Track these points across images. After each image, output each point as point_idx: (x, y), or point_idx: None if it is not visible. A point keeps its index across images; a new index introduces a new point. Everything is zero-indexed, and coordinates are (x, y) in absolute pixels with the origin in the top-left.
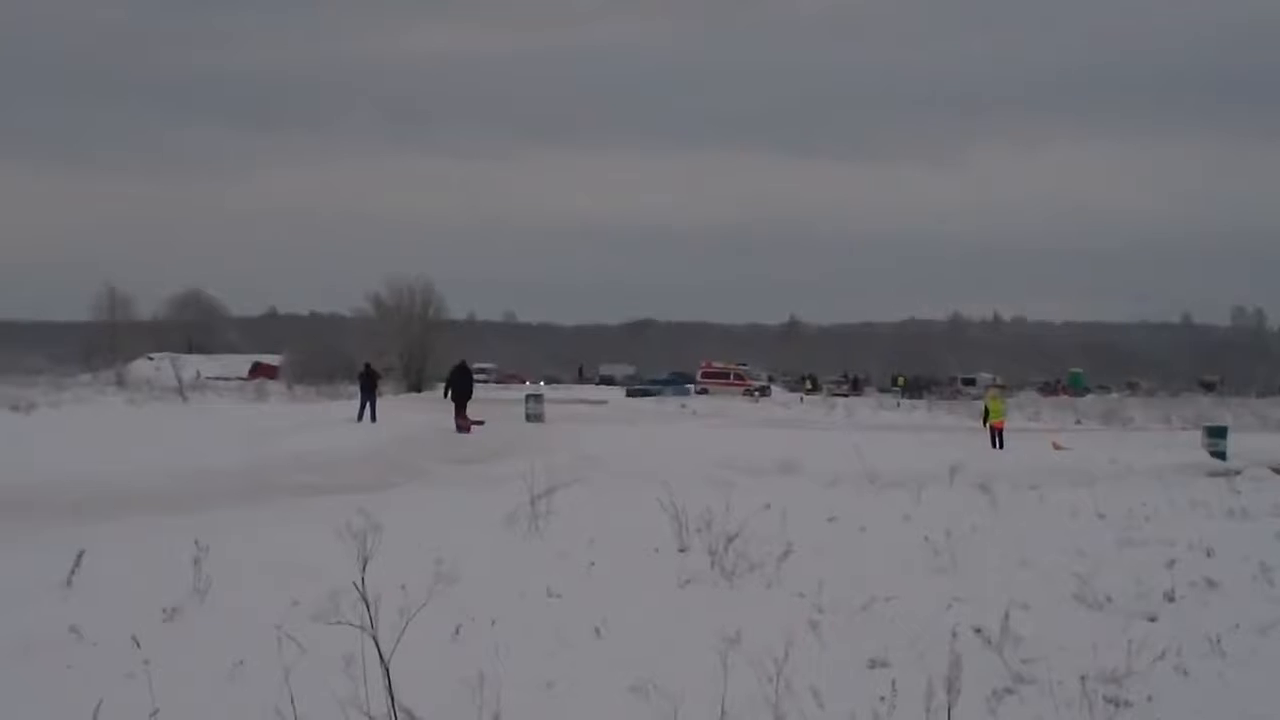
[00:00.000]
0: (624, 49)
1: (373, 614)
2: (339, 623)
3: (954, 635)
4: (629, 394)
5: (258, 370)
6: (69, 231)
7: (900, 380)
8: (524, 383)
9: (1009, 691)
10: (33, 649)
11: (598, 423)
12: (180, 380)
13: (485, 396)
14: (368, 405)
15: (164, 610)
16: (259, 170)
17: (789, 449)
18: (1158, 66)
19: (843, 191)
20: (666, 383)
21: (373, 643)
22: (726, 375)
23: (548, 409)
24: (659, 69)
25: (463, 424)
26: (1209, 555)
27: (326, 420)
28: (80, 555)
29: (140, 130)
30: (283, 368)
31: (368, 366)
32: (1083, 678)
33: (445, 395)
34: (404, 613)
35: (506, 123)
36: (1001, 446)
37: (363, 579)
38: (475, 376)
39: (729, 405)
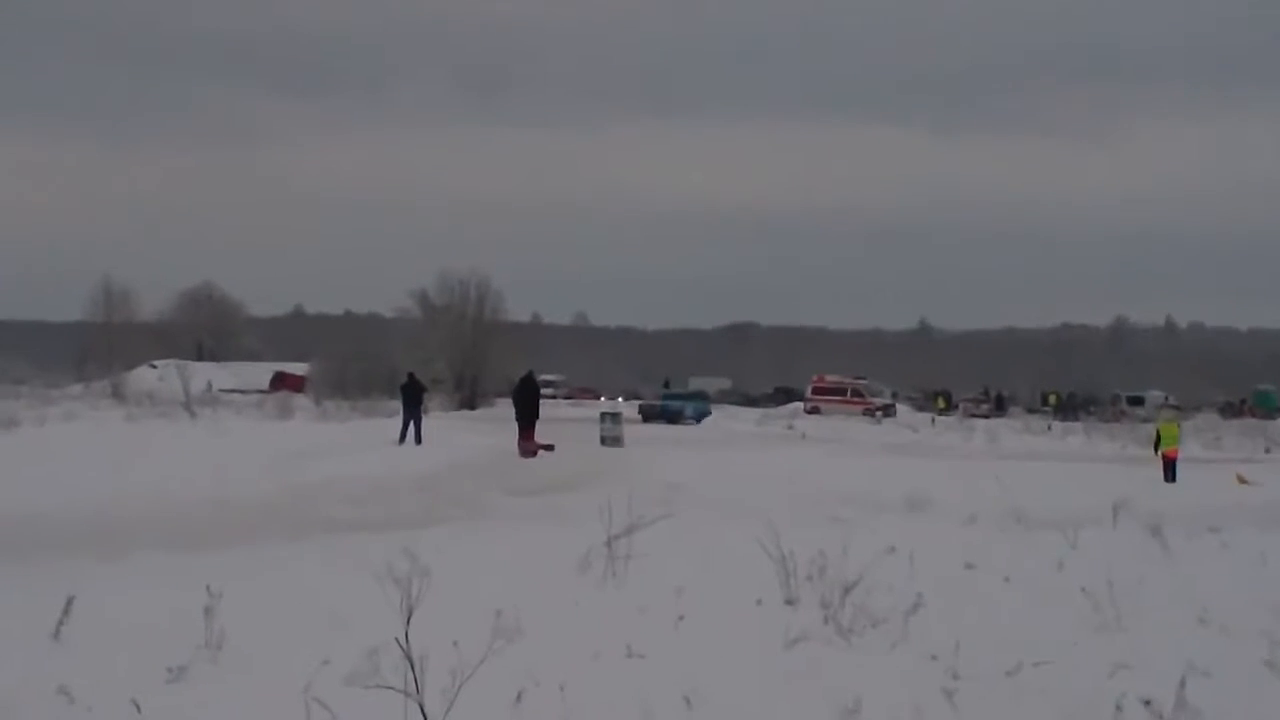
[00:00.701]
0: (735, 7)
1: (418, 676)
2: (378, 686)
3: (1119, 709)
4: (642, 414)
5: (280, 381)
6: (59, 215)
7: (1051, 398)
8: (598, 398)
9: None
10: (14, 713)
11: (687, 447)
12: (188, 393)
13: (552, 415)
14: (411, 424)
15: (169, 669)
16: (288, 146)
17: (917, 481)
18: None
19: (986, 175)
20: (687, 398)
21: (418, 710)
22: (842, 391)
23: (627, 430)
24: (775, 32)
25: (528, 447)
26: None
27: (363, 442)
28: (70, 602)
29: (148, 95)
30: (310, 379)
31: (411, 377)
32: None
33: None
34: (456, 675)
35: (589, 91)
36: (1174, 480)
37: (406, 634)
38: (542, 391)
39: (845, 427)
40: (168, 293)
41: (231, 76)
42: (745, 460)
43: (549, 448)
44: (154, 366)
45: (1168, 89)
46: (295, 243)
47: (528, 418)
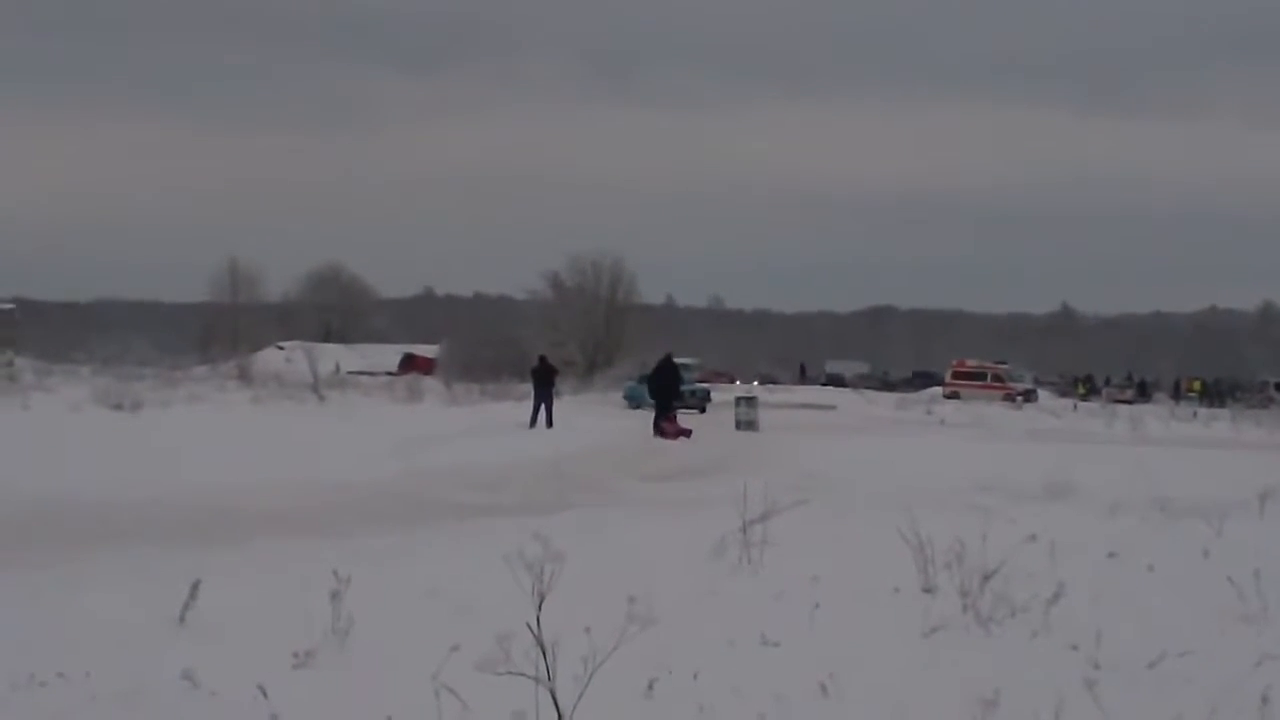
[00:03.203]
0: None
1: (550, 663)
2: (509, 673)
3: (1264, 701)
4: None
5: (410, 364)
6: (185, 195)
7: (1196, 385)
8: (733, 382)
9: None
10: (141, 697)
11: (824, 432)
12: (316, 375)
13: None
14: (542, 407)
15: (295, 655)
16: (419, 125)
17: (1059, 468)
18: None
19: (1132, 154)
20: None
21: (550, 697)
22: (982, 376)
23: (763, 415)
24: (912, 11)
25: (669, 429)
26: None
27: (494, 426)
28: (195, 586)
29: (275, 75)
30: (440, 361)
31: (543, 360)
32: None
33: (649, 395)
34: (588, 662)
35: (726, 67)
36: None
37: (538, 620)
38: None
39: (985, 412)
40: (295, 274)
41: (360, 56)
42: (882, 446)
43: (687, 433)
44: (281, 348)
45: None
46: (424, 224)
47: (667, 399)
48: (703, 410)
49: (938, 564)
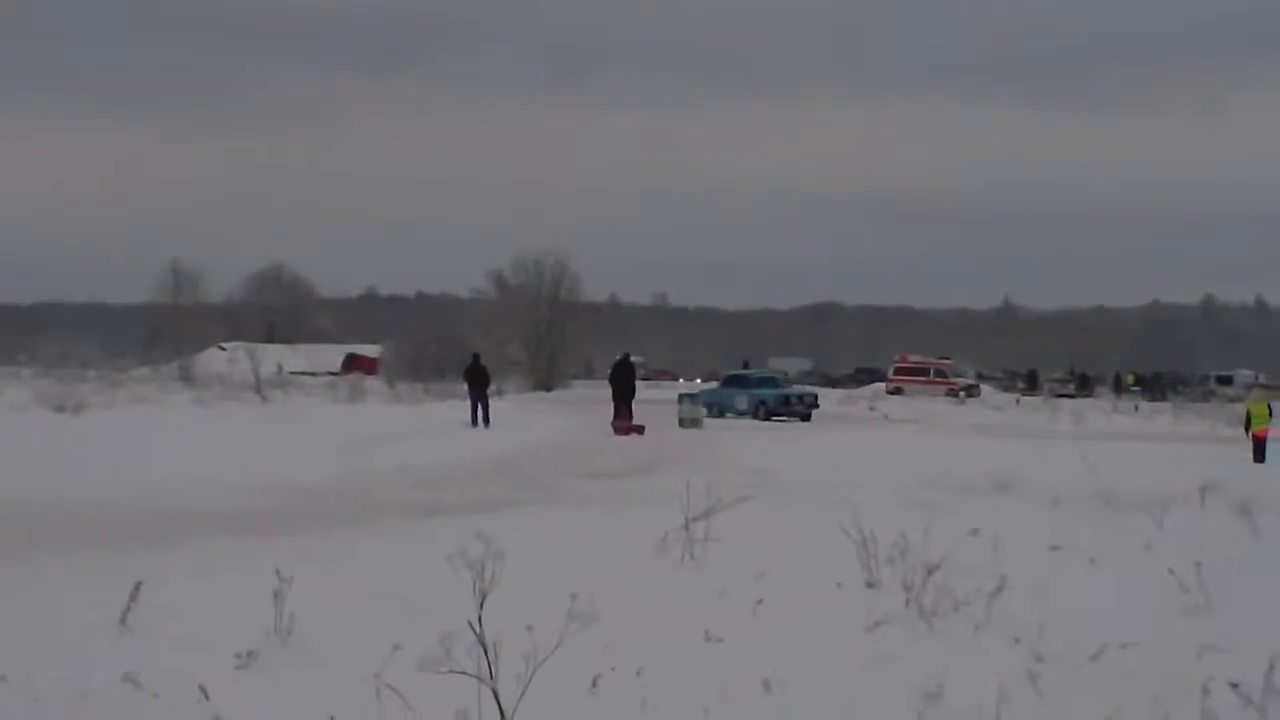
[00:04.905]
0: None
1: (492, 661)
2: (451, 671)
3: (1206, 691)
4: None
5: (353, 364)
6: (127, 196)
7: (1130, 378)
8: (677, 380)
9: None
10: (83, 700)
11: (768, 429)
12: (258, 375)
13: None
14: (479, 407)
15: (238, 655)
16: (363, 125)
17: (1002, 462)
18: None
19: (1074, 150)
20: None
21: (492, 696)
22: (925, 372)
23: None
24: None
25: (623, 426)
26: None
27: (437, 425)
28: (137, 587)
29: (212, 72)
30: (383, 360)
31: (476, 359)
32: None
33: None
34: (530, 660)
35: (670, 66)
36: (1265, 460)
37: (480, 618)
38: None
39: (928, 408)
40: (238, 275)
41: (304, 55)
42: (826, 442)
43: (640, 429)
44: (223, 349)
45: (1265, 66)
46: (367, 224)
47: (624, 398)
48: (807, 418)
49: (881, 559)
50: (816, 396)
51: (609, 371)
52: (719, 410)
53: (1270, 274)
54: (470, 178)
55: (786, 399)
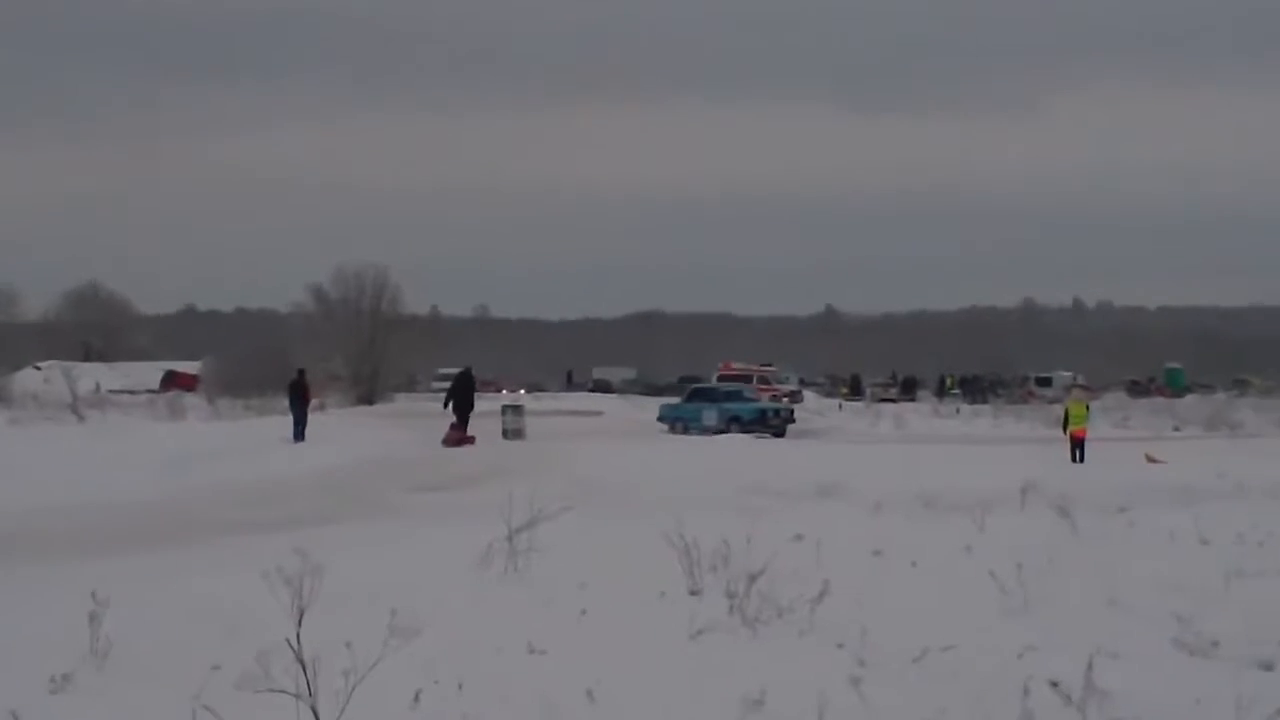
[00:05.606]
0: None
1: (311, 678)
2: (270, 690)
3: (1026, 691)
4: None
5: (172, 381)
6: None
7: (949, 381)
8: (500, 391)
9: None
10: None
11: (593, 439)
12: (75, 394)
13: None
14: (302, 422)
15: (52, 679)
16: (177, 139)
17: (825, 467)
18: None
19: (894, 154)
20: None
21: (311, 713)
22: (748, 379)
23: (530, 422)
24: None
25: (450, 437)
26: None
27: (259, 441)
28: None
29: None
30: (203, 377)
31: (301, 374)
32: None
33: (445, 406)
34: (350, 676)
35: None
36: (1083, 460)
37: (298, 635)
38: (439, 385)
39: None
40: (53, 293)
41: (118, 66)
42: (651, 451)
43: (471, 440)
44: (39, 368)
45: (1077, 68)
46: (185, 239)
47: (462, 410)
48: (781, 434)
49: (704, 566)
50: (793, 410)
51: (449, 384)
52: (683, 427)
53: (1087, 276)
54: (290, 191)
55: (762, 413)
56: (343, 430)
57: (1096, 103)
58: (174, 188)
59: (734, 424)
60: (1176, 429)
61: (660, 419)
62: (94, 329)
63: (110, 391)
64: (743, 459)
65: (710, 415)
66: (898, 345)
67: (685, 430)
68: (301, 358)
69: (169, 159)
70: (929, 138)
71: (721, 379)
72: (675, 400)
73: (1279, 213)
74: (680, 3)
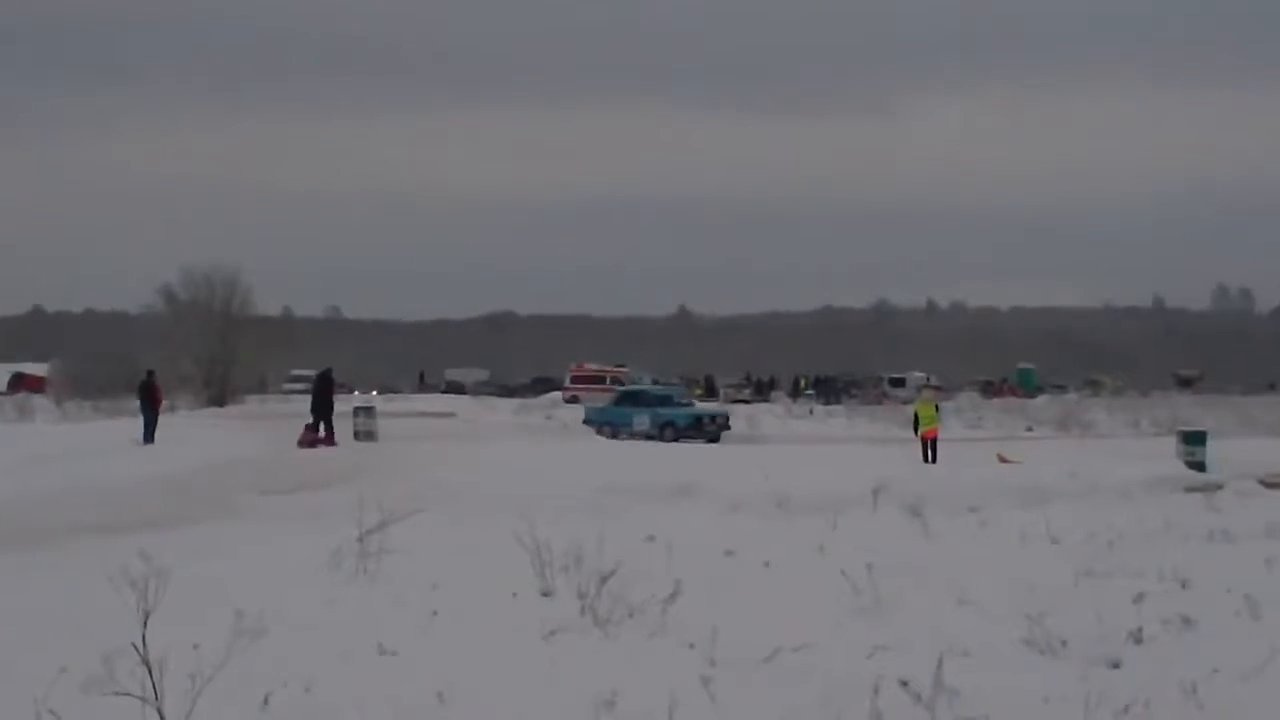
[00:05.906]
0: None
1: (157, 681)
2: (115, 693)
3: (876, 690)
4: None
5: (19, 383)
6: None
7: (803, 382)
8: (352, 393)
9: None
10: None
11: (445, 440)
12: None
13: (300, 410)
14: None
15: None
16: (28, 137)
17: (680, 468)
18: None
19: (743, 154)
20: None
21: (157, 716)
22: (601, 380)
23: (382, 424)
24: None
25: (323, 439)
26: (1184, 587)
27: (108, 443)
28: None
29: None
30: (50, 379)
31: (150, 375)
32: None
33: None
34: (196, 678)
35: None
36: (935, 460)
37: (144, 638)
38: (290, 387)
39: None
40: None
41: None
42: (503, 452)
43: (331, 441)
44: None
45: (931, 70)
46: (33, 239)
47: (321, 412)
48: (716, 439)
49: (556, 567)
50: (729, 416)
51: (310, 385)
52: (611, 430)
53: (940, 278)
54: (139, 191)
55: (698, 419)
56: (193, 432)
57: (950, 104)
58: (21, 188)
59: (668, 429)
60: (1029, 429)
61: (587, 421)
62: None
63: None
64: (598, 460)
65: (642, 419)
66: (752, 346)
67: (614, 434)
68: (151, 359)
69: (16, 159)
70: (781, 140)
71: (575, 380)
72: (601, 404)
73: (1131, 216)
74: (541, 12)
